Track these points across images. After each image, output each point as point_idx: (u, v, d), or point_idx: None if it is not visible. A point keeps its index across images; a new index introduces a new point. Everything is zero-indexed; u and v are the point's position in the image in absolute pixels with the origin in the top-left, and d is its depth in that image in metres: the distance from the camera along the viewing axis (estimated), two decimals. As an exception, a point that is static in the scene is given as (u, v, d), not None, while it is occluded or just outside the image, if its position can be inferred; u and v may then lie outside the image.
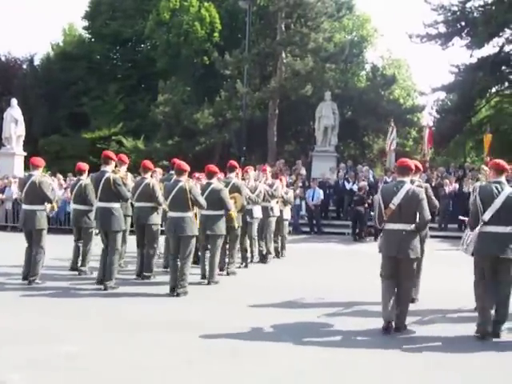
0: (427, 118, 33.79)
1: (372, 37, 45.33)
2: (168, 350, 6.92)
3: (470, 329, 7.84)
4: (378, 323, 7.98)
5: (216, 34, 36.21)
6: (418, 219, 7.91)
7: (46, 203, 11.21)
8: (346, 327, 8.16)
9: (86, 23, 41.74)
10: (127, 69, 40.29)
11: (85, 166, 12.96)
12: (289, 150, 38.38)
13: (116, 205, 10.84)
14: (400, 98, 43.02)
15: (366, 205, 21.47)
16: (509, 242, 7.63)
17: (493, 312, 7.72)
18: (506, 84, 37.46)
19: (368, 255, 13.67)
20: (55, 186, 11.93)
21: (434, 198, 9.67)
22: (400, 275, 7.99)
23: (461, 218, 14.46)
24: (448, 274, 13.01)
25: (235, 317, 8.69)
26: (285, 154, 34.98)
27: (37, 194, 11.01)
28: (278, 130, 33.54)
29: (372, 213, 19.18)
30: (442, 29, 36.45)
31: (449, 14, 36.43)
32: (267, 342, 7.40)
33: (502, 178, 7.91)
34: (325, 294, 10.32)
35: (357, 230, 21.84)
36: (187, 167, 10.74)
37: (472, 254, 8.02)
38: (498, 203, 7.65)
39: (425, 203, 7.93)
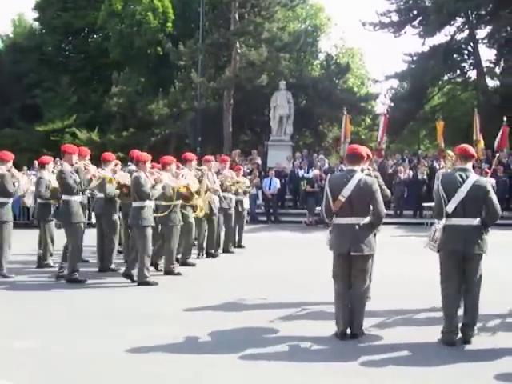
0: (381, 106, 34.15)
1: (325, 26, 45.57)
2: (129, 342, 6.90)
3: (436, 332, 6.99)
4: (334, 327, 7.18)
5: (169, 25, 35.95)
6: (371, 213, 7.11)
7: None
8: (300, 332, 7.32)
9: (36, 14, 41.06)
10: (80, 60, 39.72)
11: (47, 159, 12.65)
12: (244, 139, 38.37)
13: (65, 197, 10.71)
14: (354, 86, 43.34)
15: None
16: (476, 236, 6.85)
17: (460, 313, 6.97)
18: (458, 72, 38.04)
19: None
20: (25, 180, 11.65)
21: (385, 187, 8.86)
22: (353, 274, 7.11)
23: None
24: (404, 262, 12.77)
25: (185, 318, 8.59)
26: (240, 144, 34.98)
27: None
28: (233, 120, 33.49)
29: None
30: (395, 17, 36.93)
31: (401, 3, 36.94)
32: (203, 355, 6.51)
33: (469, 165, 7.08)
34: (283, 291, 9.81)
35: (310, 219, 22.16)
36: (147, 157, 10.81)
37: (438, 251, 7.16)
38: (462, 193, 6.81)
39: (378, 195, 7.13)
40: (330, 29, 46.15)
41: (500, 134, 25.68)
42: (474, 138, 25.55)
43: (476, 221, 6.86)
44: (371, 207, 7.09)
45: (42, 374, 5.94)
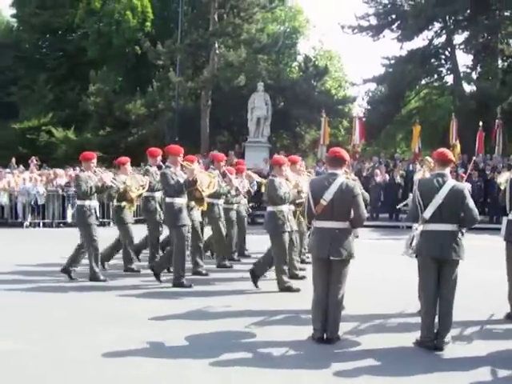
0: (358, 109, 34.28)
1: (304, 28, 45.57)
2: (102, 344, 6.84)
3: (411, 338, 6.99)
4: (309, 331, 7.13)
5: (148, 24, 35.88)
6: (352, 216, 7.04)
7: None
8: (275, 337, 7.21)
9: (13, 11, 40.73)
10: (57, 58, 39.44)
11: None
12: (222, 140, 38.34)
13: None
14: (332, 88, 43.39)
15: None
16: (453, 241, 6.81)
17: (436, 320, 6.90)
18: (435, 76, 38.38)
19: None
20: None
21: (363, 190, 8.94)
22: (331, 278, 7.05)
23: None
24: (379, 265, 12.69)
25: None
26: (218, 145, 34.92)
27: None
28: (210, 121, 33.42)
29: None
30: (374, 21, 37.10)
31: (380, 7, 37.14)
32: (177, 359, 6.43)
33: (446, 171, 7.00)
34: (261, 296, 9.74)
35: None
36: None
37: (416, 256, 7.07)
38: (439, 198, 6.77)
39: (360, 199, 7.08)
40: (308, 31, 46.21)
41: (477, 139, 25.93)
42: (451, 142, 25.72)
43: (453, 226, 6.83)
44: (352, 211, 7.04)
45: (17, 375, 5.88)
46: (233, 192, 12.60)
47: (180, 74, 32.57)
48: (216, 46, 32.57)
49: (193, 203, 10.91)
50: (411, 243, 7.14)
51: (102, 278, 10.64)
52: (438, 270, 6.85)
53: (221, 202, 12.29)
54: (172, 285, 10.18)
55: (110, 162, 33.48)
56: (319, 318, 7.02)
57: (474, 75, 37.78)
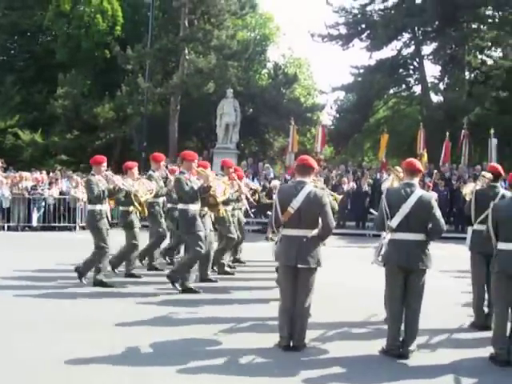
0: (326, 117, 34.41)
1: (274, 35, 45.70)
2: (65, 349, 6.78)
3: (377, 345, 7.08)
4: (276, 338, 7.16)
5: (118, 28, 35.61)
6: (320, 226, 7.05)
7: None
8: (242, 345, 7.21)
9: (-19, 11, 40.24)
10: (25, 60, 39.00)
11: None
12: (190, 146, 38.07)
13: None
14: (301, 96, 43.49)
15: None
16: (420, 250, 6.87)
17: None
18: (403, 86, 38.76)
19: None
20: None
21: (331, 199, 8.99)
22: (298, 287, 7.05)
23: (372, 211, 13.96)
24: (346, 273, 12.69)
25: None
26: (186, 151, 34.72)
27: None
28: (179, 127, 33.29)
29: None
30: (343, 30, 37.29)
31: (350, 16, 37.36)
32: (143, 367, 6.37)
33: (415, 181, 7.07)
34: (229, 303, 9.68)
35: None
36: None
37: (384, 265, 7.14)
38: (407, 208, 6.82)
39: (328, 208, 7.10)
40: (278, 38, 46.34)
41: (443, 149, 26.19)
42: (418, 151, 25.92)
43: (420, 236, 6.89)
44: (320, 220, 7.05)
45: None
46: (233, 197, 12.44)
47: (149, 79, 32.42)
48: (186, 51, 32.46)
49: (206, 209, 10.88)
50: (380, 252, 7.21)
51: (104, 280, 10.62)
52: (404, 278, 6.92)
53: (229, 208, 12.26)
54: (180, 290, 10.16)
55: (77, 165, 33.30)
56: (286, 326, 7.03)
57: (442, 86, 38.22)
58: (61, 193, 22.34)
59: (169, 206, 12.33)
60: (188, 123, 35.13)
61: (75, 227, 21.62)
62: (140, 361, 6.55)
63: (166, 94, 33.17)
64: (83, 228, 21.71)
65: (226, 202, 11.63)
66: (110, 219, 10.90)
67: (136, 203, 11.21)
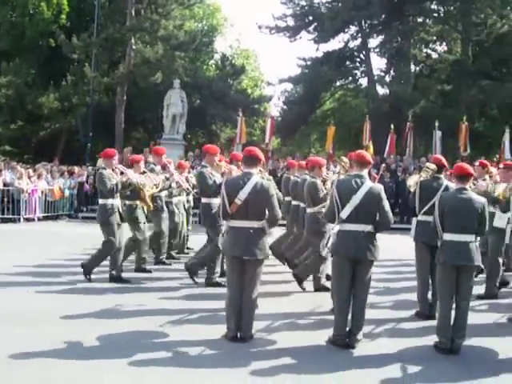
0: (274, 109, 34.52)
1: (222, 26, 45.66)
2: (13, 344, 6.68)
3: (323, 336, 7.12)
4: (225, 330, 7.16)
5: (63, 16, 35.02)
6: (267, 217, 7.06)
7: None
8: (190, 336, 7.16)
9: None
10: (-34, 48, 38.20)
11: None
12: (136, 137, 38.01)
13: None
14: (248, 87, 43.57)
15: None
16: (368, 242, 6.93)
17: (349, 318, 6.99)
18: (350, 78, 39.14)
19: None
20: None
21: (277, 190, 8.90)
22: (245, 278, 7.07)
23: None
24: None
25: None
26: (132, 141, 34.55)
27: None
28: (125, 117, 33.07)
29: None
30: (291, 22, 37.47)
31: (297, 8, 37.54)
32: (90, 360, 6.29)
33: (364, 172, 7.09)
34: (177, 296, 9.59)
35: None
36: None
37: (332, 255, 7.20)
38: (356, 199, 6.86)
39: (275, 199, 7.11)
40: (226, 29, 46.39)
41: (388, 141, 26.51)
42: (364, 143, 26.20)
43: (369, 227, 6.93)
44: (267, 211, 7.06)
45: None
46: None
47: (95, 69, 32.07)
48: (133, 41, 32.21)
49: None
50: (327, 243, 7.21)
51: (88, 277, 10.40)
52: (352, 269, 6.95)
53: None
54: (205, 284, 10.08)
55: (21, 156, 32.80)
56: (233, 317, 7.05)
57: (388, 79, 38.78)
58: (4, 184, 21.82)
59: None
60: (134, 114, 34.91)
61: (19, 219, 21.26)
62: (86, 354, 6.46)
63: (112, 84, 32.84)
64: (27, 220, 21.46)
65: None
66: (121, 214, 10.59)
67: (144, 197, 11.00)
